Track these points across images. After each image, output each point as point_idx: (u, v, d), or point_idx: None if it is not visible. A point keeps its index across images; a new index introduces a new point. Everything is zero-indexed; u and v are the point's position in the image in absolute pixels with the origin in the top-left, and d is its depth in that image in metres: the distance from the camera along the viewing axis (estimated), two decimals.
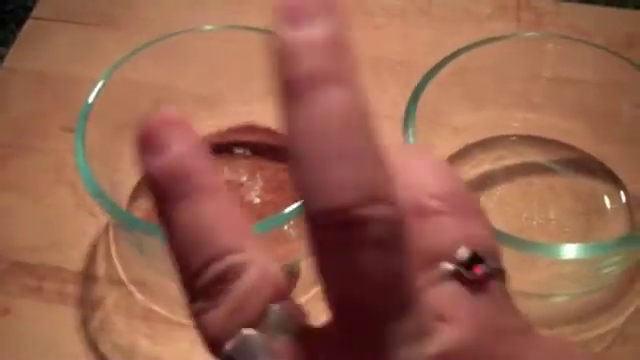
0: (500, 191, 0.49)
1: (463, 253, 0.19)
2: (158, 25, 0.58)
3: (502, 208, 0.48)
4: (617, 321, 0.44)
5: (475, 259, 0.19)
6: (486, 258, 0.19)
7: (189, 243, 0.19)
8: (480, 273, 0.19)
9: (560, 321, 0.44)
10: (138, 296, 0.46)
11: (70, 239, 0.48)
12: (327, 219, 0.17)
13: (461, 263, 0.19)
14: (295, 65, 0.17)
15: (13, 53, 0.59)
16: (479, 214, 0.21)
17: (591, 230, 0.47)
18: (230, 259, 0.19)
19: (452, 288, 0.19)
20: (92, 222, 0.49)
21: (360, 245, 0.17)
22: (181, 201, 0.19)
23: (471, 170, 0.50)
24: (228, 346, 0.19)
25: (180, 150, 0.20)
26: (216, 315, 0.19)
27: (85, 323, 0.45)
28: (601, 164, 0.49)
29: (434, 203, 0.20)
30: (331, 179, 0.17)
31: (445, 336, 0.18)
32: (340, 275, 0.18)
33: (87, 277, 0.47)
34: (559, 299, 0.45)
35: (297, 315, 0.20)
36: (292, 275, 0.42)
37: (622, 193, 0.48)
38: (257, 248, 0.20)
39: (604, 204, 0.48)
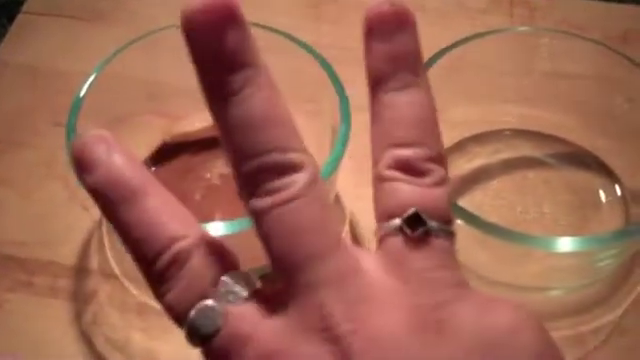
0: (495, 185, 0.49)
1: (408, 213, 0.23)
2: (149, 19, 0.58)
3: (497, 202, 0.48)
4: (614, 314, 0.44)
5: (417, 219, 0.23)
6: (430, 219, 0.23)
7: (139, 239, 0.23)
8: (419, 232, 0.22)
9: (556, 314, 0.44)
10: (132, 290, 0.45)
11: (62, 233, 0.48)
12: (252, 178, 0.22)
13: (405, 221, 0.23)
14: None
15: (4, 47, 0.58)
16: (437, 184, 0.24)
17: (586, 223, 0.47)
18: (176, 247, 0.23)
19: (398, 241, 0.23)
20: (84, 216, 0.48)
21: (281, 202, 0.22)
22: (121, 205, 0.23)
23: (466, 164, 0.50)
24: (189, 317, 0.22)
25: (108, 162, 0.23)
26: (174, 295, 0.23)
27: (78, 317, 0.44)
28: (596, 158, 0.49)
29: (389, 173, 0.24)
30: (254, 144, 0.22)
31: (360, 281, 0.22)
32: (273, 229, 0.22)
33: (80, 271, 0.46)
34: (555, 292, 0.45)
35: (246, 280, 0.23)
36: None
37: (617, 186, 0.48)
38: (199, 231, 0.23)
39: (599, 198, 0.48)
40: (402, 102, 0.24)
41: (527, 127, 0.51)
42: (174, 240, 0.23)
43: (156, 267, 0.23)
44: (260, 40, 0.46)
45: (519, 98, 0.50)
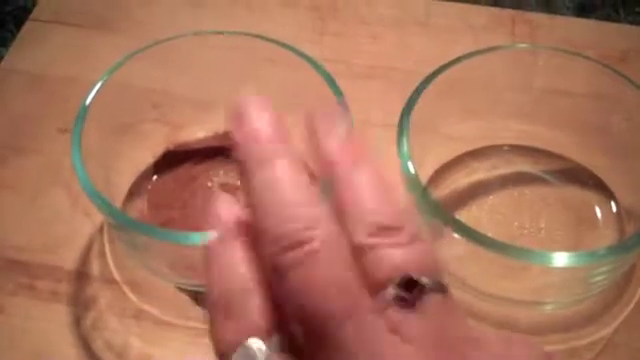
0: (492, 200, 0.49)
1: (401, 278, 0.22)
2: (155, 28, 0.59)
3: (494, 217, 0.48)
4: (606, 330, 0.45)
5: (410, 281, 0.22)
6: (422, 277, 0.22)
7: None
8: (415, 294, 0.22)
9: (550, 329, 0.45)
10: (131, 296, 0.46)
11: (64, 239, 0.48)
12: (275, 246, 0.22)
13: (399, 287, 0.22)
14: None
15: (11, 54, 0.59)
16: (416, 238, 0.23)
17: (582, 240, 0.47)
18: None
19: (399, 312, 0.22)
20: (87, 222, 0.49)
21: (299, 264, 0.21)
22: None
23: (464, 178, 0.50)
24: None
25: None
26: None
27: (78, 322, 0.45)
28: (592, 175, 0.50)
29: (370, 240, 0.23)
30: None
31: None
32: (292, 291, 0.21)
33: (81, 276, 0.47)
34: (549, 307, 0.45)
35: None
36: None
37: (613, 204, 0.49)
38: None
39: (595, 214, 0.49)
40: (359, 180, 0.24)
41: (525, 143, 0.51)
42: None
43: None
44: (263, 52, 0.47)
45: (518, 114, 0.50)
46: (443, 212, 0.40)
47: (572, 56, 0.47)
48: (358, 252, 0.23)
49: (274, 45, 0.47)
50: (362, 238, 0.23)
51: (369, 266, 0.23)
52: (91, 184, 0.40)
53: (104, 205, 0.40)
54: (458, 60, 0.46)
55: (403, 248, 0.23)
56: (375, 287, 0.22)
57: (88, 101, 0.44)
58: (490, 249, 0.38)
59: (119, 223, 0.40)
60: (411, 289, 0.22)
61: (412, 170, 0.42)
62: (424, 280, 0.22)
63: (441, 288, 0.22)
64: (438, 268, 0.23)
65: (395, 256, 0.22)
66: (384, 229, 0.23)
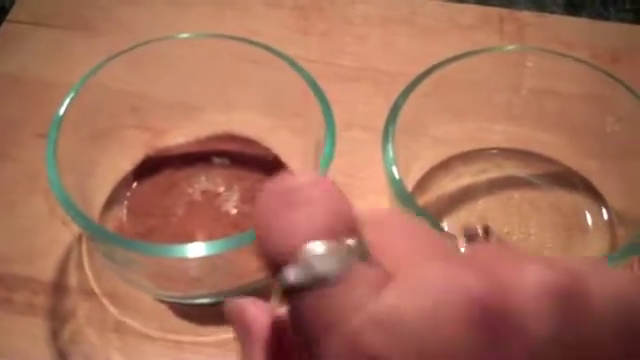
0: (481, 205, 0.48)
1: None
2: (134, 30, 0.58)
3: (483, 222, 0.47)
4: None
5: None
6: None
7: None
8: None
9: None
10: (110, 308, 0.45)
11: (42, 249, 0.47)
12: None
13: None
14: None
15: None
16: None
17: (572, 245, 0.46)
18: None
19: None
20: (65, 232, 0.48)
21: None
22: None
23: (452, 183, 0.49)
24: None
25: None
26: None
27: (56, 335, 0.44)
28: (583, 179, 0.49)
29: None
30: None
31: None
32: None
33: (58, 288, 0.46)
34: None
35: None
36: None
37: (604, 208, 0.48)
38: None
39: (585, 219, 0.48)
40: None
41: (514, 146, 0.50)
42: None
43: None
44: (246, 54, 0.46)
45: (507, 117, 0.49)
46: (430, 218, 0.39)
47: (562, 57, 0.46)
48: None
49: (256, 48, 0.46)
50: None
51: None
52: (67, 196, 0.39)
53: (80, 219, 0.38)
54: (446, 62, 0.45)
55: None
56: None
57: (64, 106, 0.42)
58: None
59: (96, 237, 0.39)
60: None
61: (397, 176, 0.40)
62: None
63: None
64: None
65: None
66: None
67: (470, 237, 0.21)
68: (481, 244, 0.21)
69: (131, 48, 0.45)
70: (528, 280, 0.19)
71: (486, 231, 0.21)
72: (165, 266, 0.41)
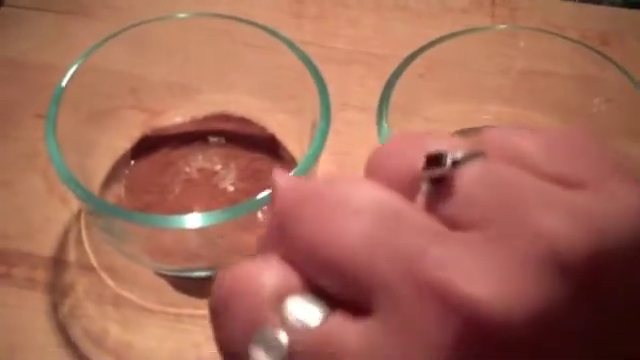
0: None
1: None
2: (131, 13, 0.58)
3: None
4: None
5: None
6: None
7: None
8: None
9: None
10: (109, 282, 0.45)
11: (41, 226, 0.48)
12: None
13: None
14: None
15: None
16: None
17: None
18: None
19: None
20: (63, 209, 0.48)
21: None
22: None
23: None
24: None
25: None
26: None
27: (55, 309, 0.45)
28: None
29: None
30: None
31: None
32: None
33: (57, 263, 0.46)
34: None
35: None
36: None
37: None
38: None
39: None
40: None
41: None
42: None
43: None
44: (242, 35, 0.47)
45: (497, 96, 0.50)
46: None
47: (553, 37, 0.47)
48: None
49: (253, 28, 0.46)
50: None
51: None
52: (67, 169, 0.39)
53: (80, 191, 0.39)
54: (436, 42, 0.46)
55: None
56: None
57: (63, 84, 0.43)
58: None
59: (95, 208, 0.40)
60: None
61: None
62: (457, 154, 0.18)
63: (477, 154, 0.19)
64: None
65: None
66: None
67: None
68: None
69: (128, 28, 0.46)
70: None
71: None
72: (163, 239, 0.41)
